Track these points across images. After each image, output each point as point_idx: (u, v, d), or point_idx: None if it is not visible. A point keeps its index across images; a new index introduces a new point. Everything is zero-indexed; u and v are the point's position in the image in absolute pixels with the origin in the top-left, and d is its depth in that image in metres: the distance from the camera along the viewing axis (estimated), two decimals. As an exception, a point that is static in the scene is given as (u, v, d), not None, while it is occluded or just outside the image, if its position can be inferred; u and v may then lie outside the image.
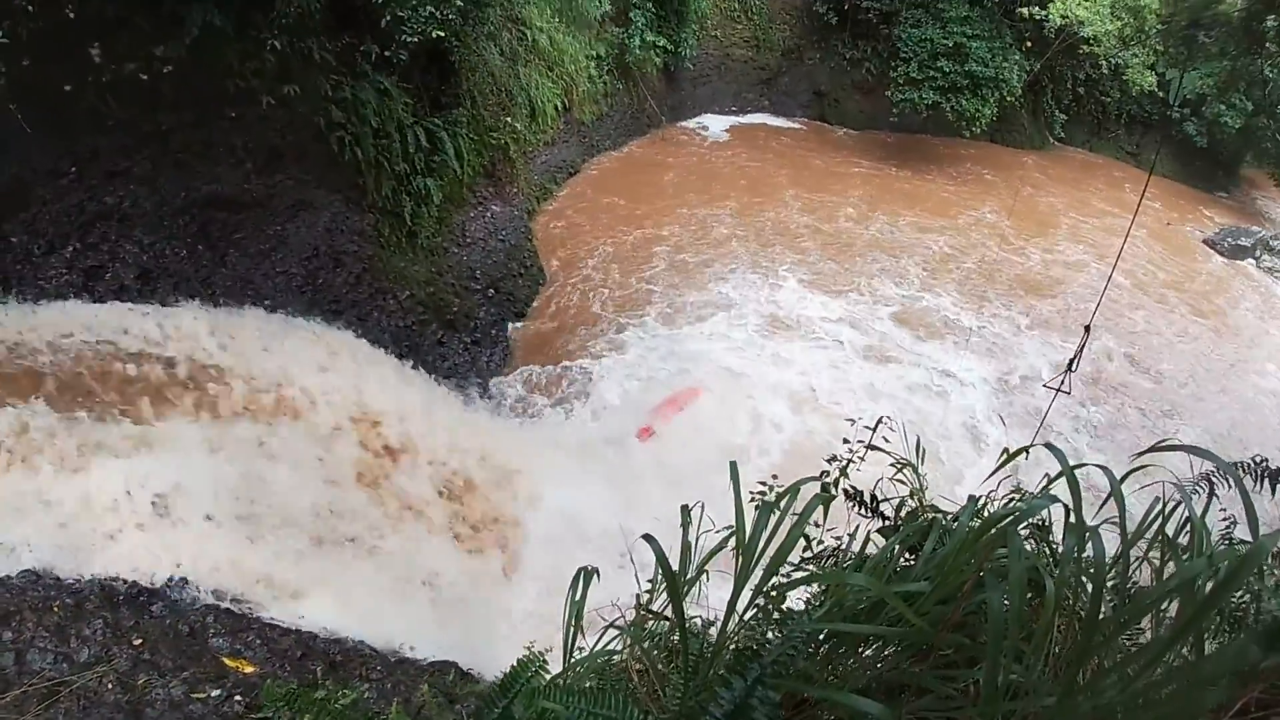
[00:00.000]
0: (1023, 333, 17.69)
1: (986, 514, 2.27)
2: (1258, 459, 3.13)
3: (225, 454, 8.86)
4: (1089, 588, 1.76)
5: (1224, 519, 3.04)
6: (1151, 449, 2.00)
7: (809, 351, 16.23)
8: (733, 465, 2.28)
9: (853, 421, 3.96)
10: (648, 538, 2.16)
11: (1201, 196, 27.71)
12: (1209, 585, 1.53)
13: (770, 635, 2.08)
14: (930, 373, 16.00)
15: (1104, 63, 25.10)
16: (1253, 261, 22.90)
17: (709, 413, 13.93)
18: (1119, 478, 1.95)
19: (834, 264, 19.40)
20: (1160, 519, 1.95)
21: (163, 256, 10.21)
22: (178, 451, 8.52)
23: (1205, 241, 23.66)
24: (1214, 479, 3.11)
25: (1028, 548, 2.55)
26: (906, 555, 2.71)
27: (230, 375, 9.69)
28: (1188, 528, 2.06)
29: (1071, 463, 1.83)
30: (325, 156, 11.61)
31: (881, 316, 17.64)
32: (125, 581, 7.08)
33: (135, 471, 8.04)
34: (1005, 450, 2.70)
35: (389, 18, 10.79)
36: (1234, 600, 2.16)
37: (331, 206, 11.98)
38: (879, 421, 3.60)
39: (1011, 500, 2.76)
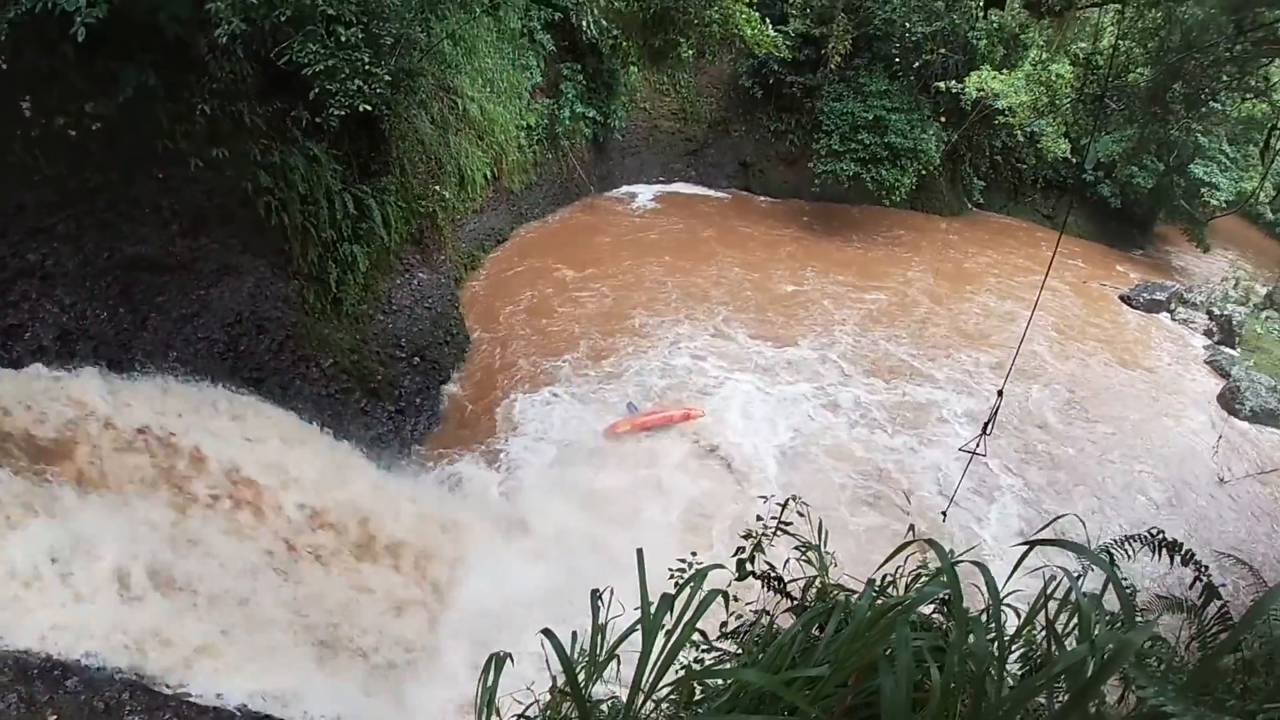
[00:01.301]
0: (979, 375, 18.60)
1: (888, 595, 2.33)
2: (1154, 531, 3.25)
3: (143, 525, 8.61)
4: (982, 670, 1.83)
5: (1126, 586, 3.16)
6: (1029, 542, 2.09)
7: (765, 393, 16.78)
8: (639, 552, 2.30)
9: (765, 499, 4.03)
10: (547, 632, 2.16)
11: (1119, 255, 29.00)
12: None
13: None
14: (895, 409, 16.77)
15: (1019, 132, 26.08)
16: (1167, 315, 24.01)
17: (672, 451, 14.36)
18: (1016, 560, 2.03)
19: (777, 314, 20.07)
20: (1044, 603, 2.03)
21: (83, 318, 9.93)
22: (95, 522, 8.25)
23: (1121, 298, 24.65)
24: (1113, 551, 3.24)
25: (938, 618, 2.63)
26: (817, 630, 2.76)
27: (149, 446, 9.43)
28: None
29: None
30: (252, 221, 11.45)
31: (834, 359, 18.41)
32: (39, 654, 6.85)
33: (49, 541, 7.78)
34: (911, 528, 2.78)
35: (318, 89, 10.77)
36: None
37: (256, 272, 11.78)
38: (789, 500, 3.67)
39: (919, 576, 2.83)
